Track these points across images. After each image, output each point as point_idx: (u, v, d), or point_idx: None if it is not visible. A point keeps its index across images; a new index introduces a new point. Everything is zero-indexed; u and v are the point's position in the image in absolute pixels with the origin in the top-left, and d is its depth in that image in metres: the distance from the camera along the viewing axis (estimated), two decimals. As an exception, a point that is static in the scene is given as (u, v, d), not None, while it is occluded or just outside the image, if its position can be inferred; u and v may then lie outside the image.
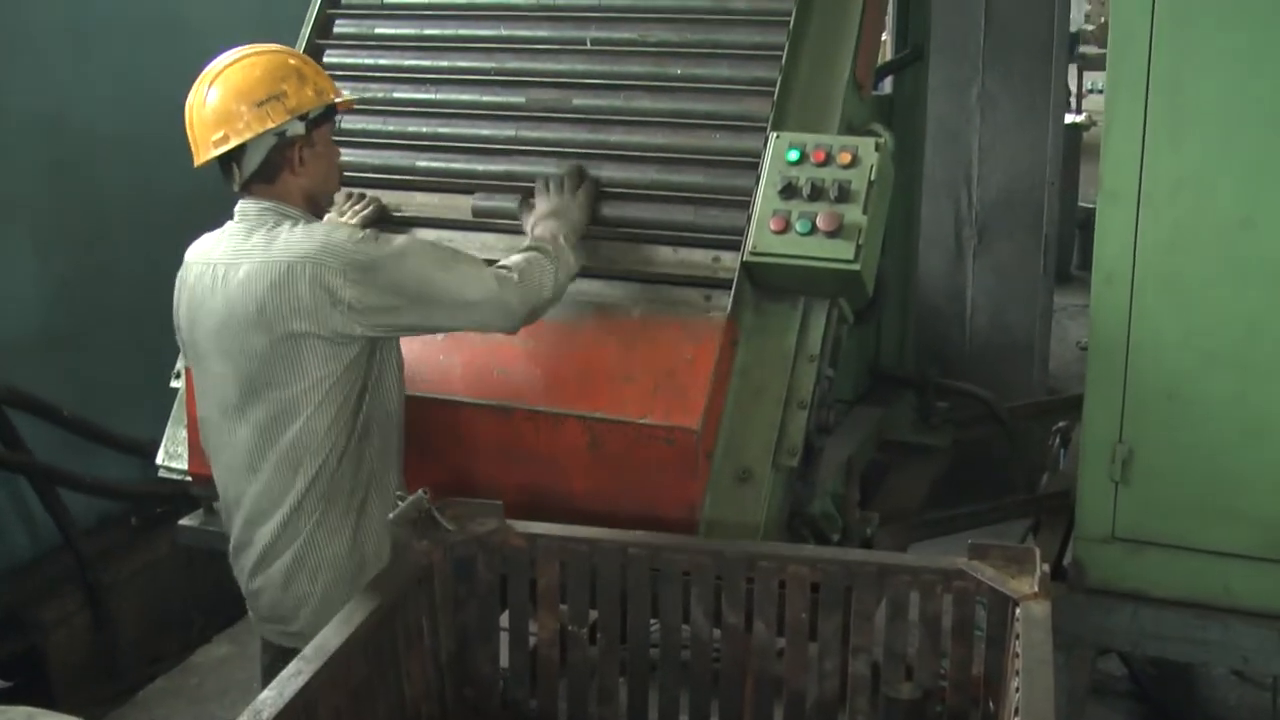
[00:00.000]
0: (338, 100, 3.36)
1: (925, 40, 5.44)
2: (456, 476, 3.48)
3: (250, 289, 3.11)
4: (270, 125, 3.16)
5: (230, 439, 3.24)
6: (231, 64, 3.22)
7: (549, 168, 3.80)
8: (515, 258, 3.32)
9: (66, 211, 5.02)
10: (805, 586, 3.02)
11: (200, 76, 3.24)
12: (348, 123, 4.02)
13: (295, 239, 3.12)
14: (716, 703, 3.14)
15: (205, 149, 3.21)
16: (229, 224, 3.27)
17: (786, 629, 3.05)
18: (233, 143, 3.17)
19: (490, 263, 3.30)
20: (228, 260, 3.17)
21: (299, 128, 3.22)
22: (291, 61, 3.27)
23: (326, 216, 3.52)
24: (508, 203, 3.79)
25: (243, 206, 3.26)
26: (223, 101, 3.17)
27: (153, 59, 5.32)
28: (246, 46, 3.28)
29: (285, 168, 3.22)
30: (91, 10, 5.05)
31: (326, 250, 3.08)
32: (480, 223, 3.81)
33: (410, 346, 3.55)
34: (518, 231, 3.77)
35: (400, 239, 3.23)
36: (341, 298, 3.07)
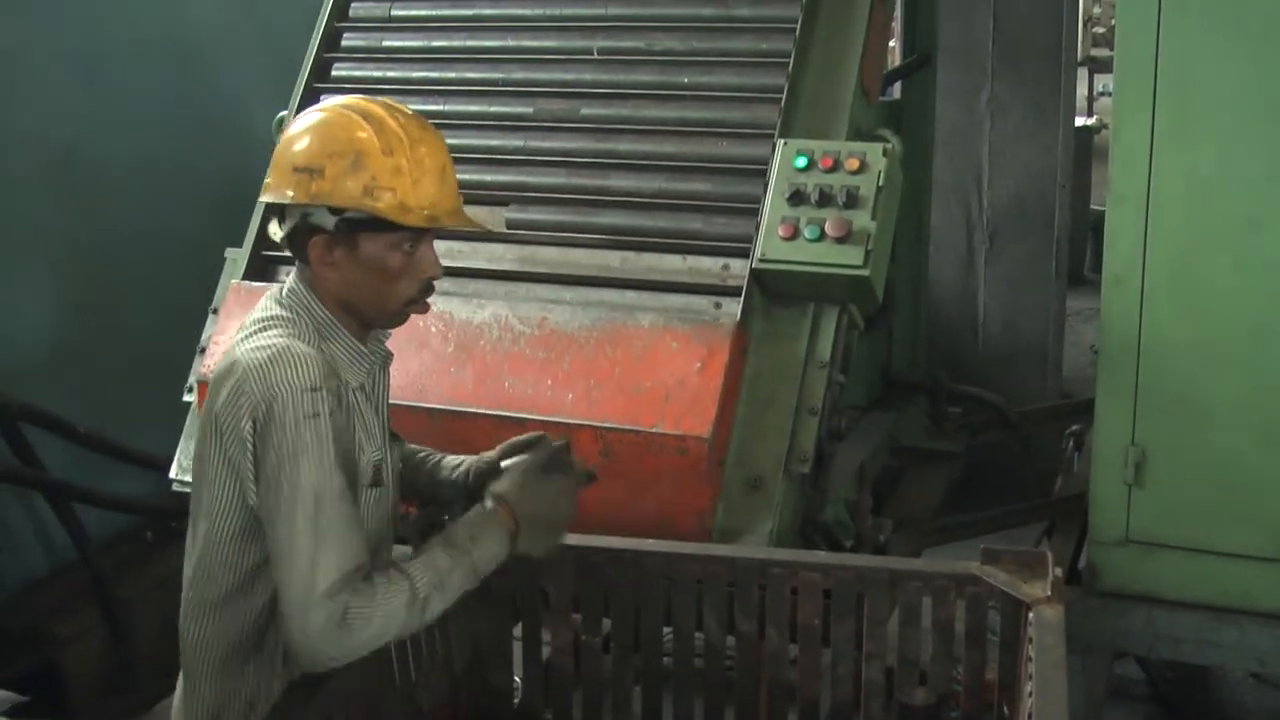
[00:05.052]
0: (393, 219, 2.53)
1: (933, 46, 5.46)
2: (469, 487, 3.48)
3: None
4: (288, 198, 2.54)
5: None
6: (319, 110, 2.63)
7: (558, 178, 3.81)
8: (379, 592, 2.44)
9: (79, 235, 5.05)
10: (818, 593, 3.01)
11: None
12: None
13: (260, 339, 2.54)
14: (731, 710, 3.13)
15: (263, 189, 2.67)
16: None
17: (799, 635, 3.05)
18: (264, 196, 2.63)
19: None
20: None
21: (325, 219, 2.54)
22: (367, 135, 2.54)
23: None
24: (543, 214, 3.81)
25: (289, 279, 2.68)
26: (279, 147, 2.61)
27: (163, 85, 5.35)
28: (357, 99, 2.65)
29: (310, 254, 2.57)
30: (102, 38, 5.08)
31: (262, 374, 2.47)
32: (491, 233, 3.81)
33: (420, 357, 3.56)
34: (536, 242, 3.78)
35: (318, 451, 2.46)
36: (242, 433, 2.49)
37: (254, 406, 2.47)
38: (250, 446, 2.48)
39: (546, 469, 2.82)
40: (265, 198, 2.63)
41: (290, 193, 2.54)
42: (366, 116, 2.57)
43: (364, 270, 2.58)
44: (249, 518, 2.56)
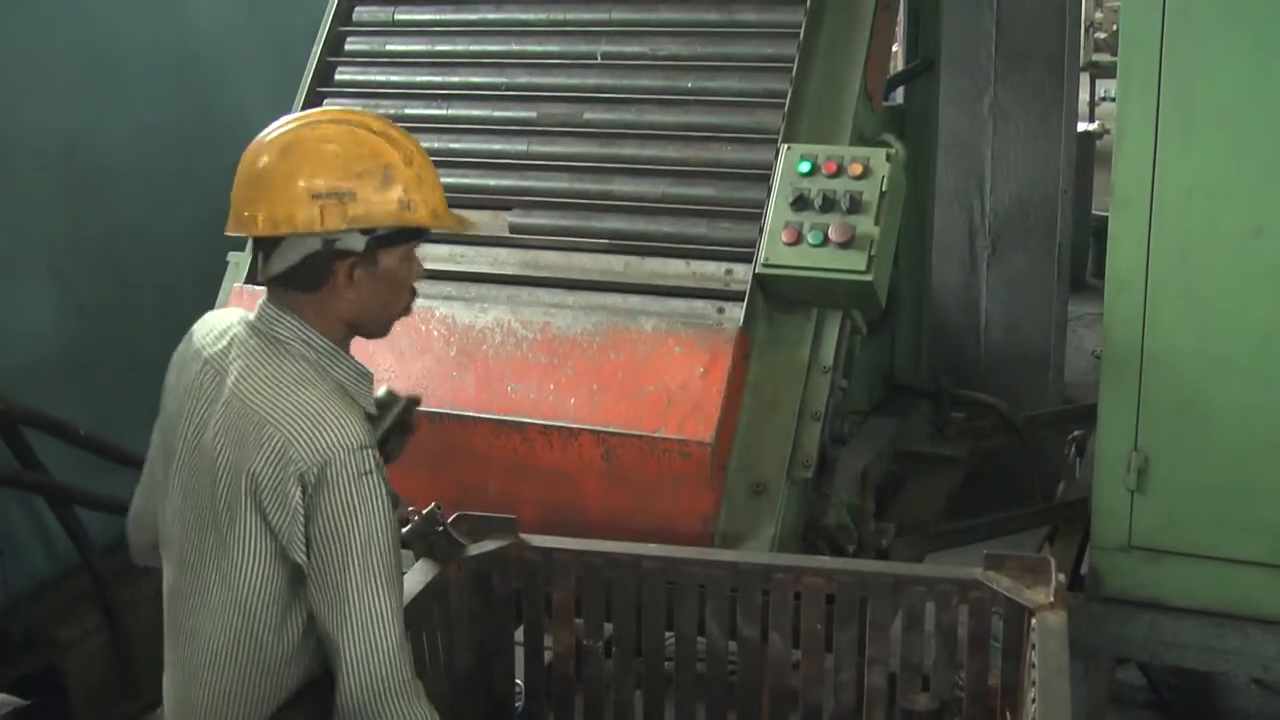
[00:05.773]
0: (430, 226, 2.57)
1: (936, 51, 5.45)
2: (470, 492, 3.49)
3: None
4: (317, 229, 2.44)
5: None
6: (308, 125, 2.53)
7: (561, 182, 3.81)
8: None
9: (83, 239, 5.04)
10: (821, 598, 3.02)
11: (268, 129, 2.57)
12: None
13: (288, 396, 2.47)
14: (733, 715, 3.14)
15: (235, 221, 2.54)
16: (244, 321, 2.63)
17: (802, 641, 3.05)
18: (260, 231, 2.49)
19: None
20: (231, 385, 2.54)
21: (357, 242, 2.48)
22: (385, 151, 2.49)
23: None
24: (546, 219, 3.81)
25: (263, 309, 2.58)
26: (273, 172, 2.47)
27: (166, 89, 5.34)
28: (345, 110, 2.62)
29: (327, 282, 2.50)
30: (107, 41, 5.08)
31: (311, 438, 2.43)
32: (494, 237, 3.82)
33: (423, 362, 3.56)
34: (539, 247, 3.77)
35: (375, 506, 2.46)
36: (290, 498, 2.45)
37: (303, 473, 2.42)
38: (301, 510, 2.43)
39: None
40: (284, 231, 2.46)
41: (316, 225, 2.44)
42: (369, 129, 2.52)
43: (381, 286, 2.55)
44: (289, 576, 2.51)
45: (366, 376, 2.64)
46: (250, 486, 2.45)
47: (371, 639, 2.43)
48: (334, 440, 2.42)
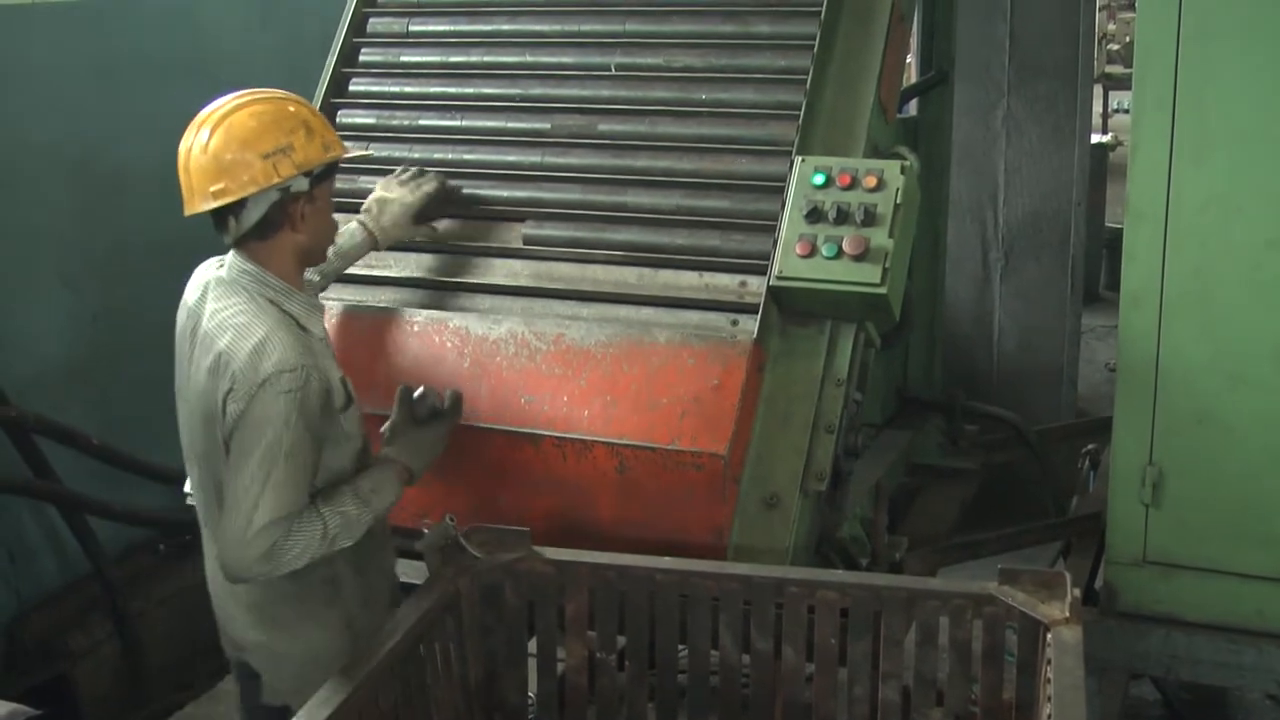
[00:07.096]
0: (345, 156, 3.19)
1: (949, 63, 5.45)
2: (484, 503, 3.48)
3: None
4: (276, 180, 2.98)
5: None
6: (235, 109, 3.03)
7: (575, 194, 3.81)
8: (301, 529, 2.95)
9: (95, 247, 5.06)
10: (834, 611, 3.01)
11: (197, 119, 3.06)
12: (375, 150, 4.04)
13: (241, 331, 2.99)
14: (746, 729, 3.13)
15: (201, 199, 3.02)
16: (216, 273, 3.16)
17: (816, 654, 3.04)
18: (233, 196, 2.98)
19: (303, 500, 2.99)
20: (205, 327, 3.06)
21: (303, 184, 3.04)
22: (299, 111, 3.08)
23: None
24: (560, 230, 3.81)
25: (231, 262, 3.11)
26: (225, 149, 2.98)
27: (179, 97, 5.35)
28: (250, 91, 3.08)
29: (285, 225, 3.05)
30: (119, 50, 5.09)
31: (252, 363, 2.93)
32: (508, 249, 3.82)
33: (436, 373, 3.56)
34: (551, 259, 3.78)
35: (286, 414, 2.94)
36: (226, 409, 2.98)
37: (249, 390, 2.92)
38: (235, 421, 2.94)
39: (417, 421, 3.32)
40: (238, 195, 2.99)
41: (274, 177, 2.98)
42: (278, 98, 3.08)
43: (323, 215, 3.14)
44: None
45: (316, 307, 3.20)
46: (213, 409, 2.99)
47: (234, 519, 2.92)
48: (270, 365, 2.93)
